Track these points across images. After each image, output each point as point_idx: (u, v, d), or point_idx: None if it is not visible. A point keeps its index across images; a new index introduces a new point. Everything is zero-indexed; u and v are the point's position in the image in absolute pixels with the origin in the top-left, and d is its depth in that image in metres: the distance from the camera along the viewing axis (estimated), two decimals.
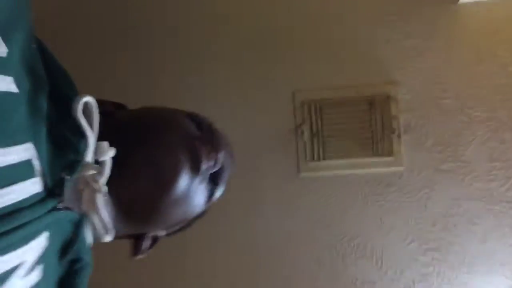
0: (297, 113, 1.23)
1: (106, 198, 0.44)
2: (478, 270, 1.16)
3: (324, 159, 1.21)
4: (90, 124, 0.43)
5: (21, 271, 0.36)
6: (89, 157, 0.42)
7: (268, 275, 1.22)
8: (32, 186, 0.37)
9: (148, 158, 0.48)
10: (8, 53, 0.36)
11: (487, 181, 1.17)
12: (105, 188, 0.43)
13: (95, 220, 0.43)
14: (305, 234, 1.22)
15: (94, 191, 0.43)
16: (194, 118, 0.56)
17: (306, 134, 1.22)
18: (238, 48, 1.26)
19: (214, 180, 0.54)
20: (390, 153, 1.18)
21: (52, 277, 0.41)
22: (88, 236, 0.45)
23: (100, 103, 0.53)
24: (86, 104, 0.42)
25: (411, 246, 1.19)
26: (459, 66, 1.18)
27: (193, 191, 0.50)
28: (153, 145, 0.48)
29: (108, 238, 0.45)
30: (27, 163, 0.36)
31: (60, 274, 0.43)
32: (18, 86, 0.36)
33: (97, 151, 0.43)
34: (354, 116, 1.21)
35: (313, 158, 1.21)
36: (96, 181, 0.42)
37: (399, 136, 1.18)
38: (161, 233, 0.57)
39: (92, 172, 0.42)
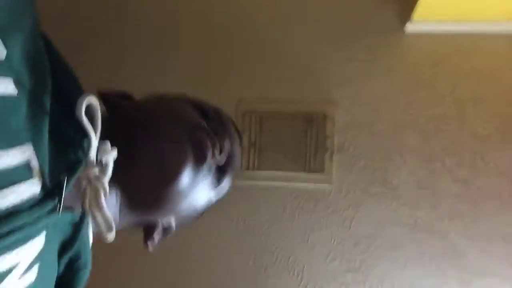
0: (238, 122, 1.27)
1: (109, 196, 0.45)
2: None
3: (258, 169, 1.24)
4: (93, 123, 0.43)
5: (17, 271, 0.37)
6: (92, 156, 0.43)
7: (191, 282, 1.25)
8: (30, 188, 0.37)
9: (152, 151, 0.48)
10: (8, 54, 0.36)
11: (413, 208, 1.17)
12: (108, 188, 0.44)
13: (98, 218, 0.43)
14: (231, 242, 1.24)
15: (98, 190, 0.43)
16: (198, 105, 0.56)
17: (244, 143, 1.26)
18: (187, 55, 1.31)
19: (222, 168, 0.54)
20: (321, 170, 1.21)
21: (50, 276, 0.42)
22: (89, 235, 0.46)
23: (106, 94, 0.57)
24: (89, 104, 0.43)
25: (333, 264, 1.20)
26: (397, 92, 1.20)
27: (199, 181, 0.51)
28: (156, 138, 0.49)
29: (110, 236, 0.45)
30: (25, 165, 0.36)
31: (58, 273, 0.43)
32: (18, 86, 0.37)
33: (100, 151, 0.43)
34: (291, 130, 1.24)
35: (248, 167, 1.25)
36: (100, 181, 0.43)
37: (331, 155, 1.21)
38: (172, 222, 0.57)
39: (95, 171, 0.43)
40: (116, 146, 0.45)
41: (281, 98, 1.26)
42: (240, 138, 0.62)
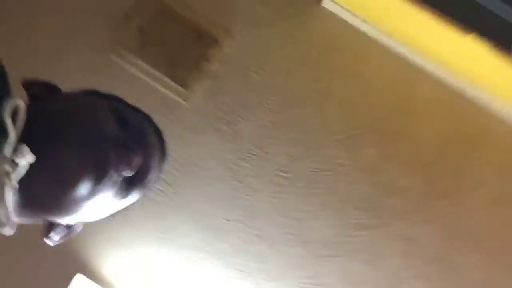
0: (138, 5, 1.27)
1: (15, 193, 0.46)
2: None
3: (136, 54, 1.26)
4: (16, 125, 0.45)
5: None
6: (7, 155, 0.44)
7: None
8: None
9: (56, 157, 0.49)
10: None
11: (240, 159, 1.25)
12: (17, 186, 0.45)
13: (1, 213, 0.46)
14: None
15: (5, 187, 0.45)
16: (120, 114, 0.55)
17: (135, 26, 1.27)
18: None
19: (131, 180, 0.54)
20: (186, 86, 1.24)
21: None
22: None
23: (30, 84, 0.57)
24: (16, 107, 0.45)
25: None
26: (285, 56, 1.24)
27: (99, 192, 0.51)
28: (62, 144, 0.49)
29: (10, 232, 0.47)
30: None
31: None
32: None
33: (17, 152, 0.45)
34: (181, 37, 1.26)
35: (128, 49, 1.27)
36: (8, 178, 0.44)
37: (202, 78, 1.24)
38: (74, 225, 0.58)
39: (5, 169, 0.44)
40: (32, 140, 0.46)
41: (190, 3, 1.26)
42: (164, 152, 0.61)
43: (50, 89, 0.59)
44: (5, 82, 0.48)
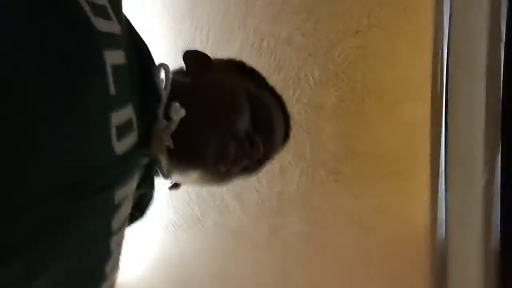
0: None
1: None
2: None
3: None
4: (166, 87, 0.52)
5: (127, 201, 0.47)
6: (161, 113, 0.51)
7: None
8: (132, 138, 0.45)
9: (191, 135, 0.55)
10: (121, 30, 0.44)
11: None
12: (170, 141, 0.51)
13: (163, 163, 0.53)
14: None
15: (163, 140, 0.51)
16: (255, 105, 0.62)
17: None
18: None
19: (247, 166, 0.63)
20: None
21: (130, 205, 0.50)
22: (154, 175, 0.56)
23: (188, 56, 0.65)
24: (164, 71, 0.51)
25: None
26: None
27: (215, 172, 0.59)
28: (198, 126, 0.56)
29: (169, 178, 0.57)
30: (129, 120, 0.45)
31: (132, 204, 0.52)
32: (126, 58, 0.44)
33: (171, 109, 0.51)
34: None
35: None
36: (165, 133, 0.51)
37: None
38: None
39: (163, 125, 0.51)
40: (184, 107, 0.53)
41: None
42: (286, 137, 0.71)
43: (205, 61, 0.65)
44: (149, 51, 0.53)
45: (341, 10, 1.23)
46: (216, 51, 1.36)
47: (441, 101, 1.13)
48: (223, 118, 0.58)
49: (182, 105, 0.53)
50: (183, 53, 0.65)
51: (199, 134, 0.56)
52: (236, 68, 0.71)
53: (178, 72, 0.65)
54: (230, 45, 1.34)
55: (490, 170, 1.00)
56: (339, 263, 1.35)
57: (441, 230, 1.22)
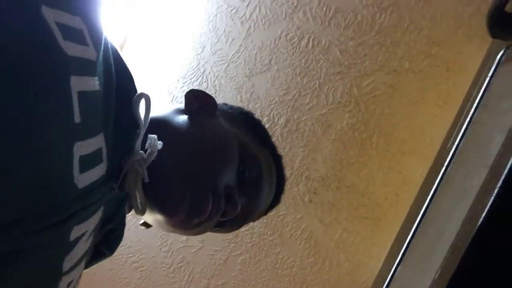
0: None
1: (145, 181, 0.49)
2: None
3: None
4: (145, 117, 0.48)
5: (84, 238, 0.43)
6: (138, 145, 0.48)
7: None
8: (100, 170, 0.43)
9: (169, 176, 0.52)
10: (97, 56, 0.41)
11: None
12: (146, 175, 0.48)
13: (136, 198, 0.50)
14: None
15: (138, 174, 0.48)
16: (246, 167, 0.58)
17: None
18: None
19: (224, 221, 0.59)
20: None
21: (94, 243, 0.48)
22: (125, 211, 0.52)
23: (191, 96, 0.61)
24: (144, 100, 0.48)
25: None
26: None
27: (186, 223, 0.55)
28: (179, 169, 0.52)
29: (141, 214, 0.52)
30: (99, 151, 0.42)
31: (97, 240, 0.49)
32: (99, 84, 0.41)
33: (148, 142, 0.49)
34: None
35: None
36: (141, 166, 0.48)
37: None
38: None
39: (139, 157, 0.48)
40: (167, 145, 0.50)
41: None
42: (275, 201, 0.67)
43: (209, 105, 0.62)
44: (131, 79, 0.51)
45: (388, 43, 1.20)
46: (252, 30, 1.32)
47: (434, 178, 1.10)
48: (206, 168, 0.54)
49: (169, 142, 0.50)
50: (187, 92, 0.62)
51: (177, 179, 0.52)
52: (242, 118, 0.67)
53: (177, 109, 0.61)
54: (269, 30, 1.30)
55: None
56: (273, 272, 1.33)
57: None
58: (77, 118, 0.37)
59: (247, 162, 0.58)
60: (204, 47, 1.39)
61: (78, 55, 0.38)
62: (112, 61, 0.46)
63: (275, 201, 0.69)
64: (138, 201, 0.50)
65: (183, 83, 1.43)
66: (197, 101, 0.61)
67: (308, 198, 1.30)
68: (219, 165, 0.55)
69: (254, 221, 0.68)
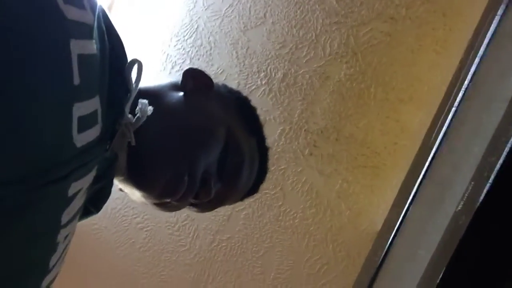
0: None
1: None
2: None
3: None
4: (136, 82, 0.50)
5: (80, 194, 0.45)
6: (127, 108, 0.49)
7: None
8: (95, 131, 0.44)
9: (151, 150, 0.53)
10: (93, 21, 0.42)
11: None
12: (133, 138, 0.49)
13: (120, 159, 0.51)
14: None
15: (125, 136, 0.49)
16: (229, 153, 0.58)
17: None
18: None
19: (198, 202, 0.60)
20: None
21: (84, 199, 0.48)
22: (114, 171, 0.53)
23: (188, 74, 0.61)
24: (137, 66, 0.49)
25: None
26: None
27: (158, 200, 0.56)
28: (161, 144, 0.53)
29: (122, 176, 0.54)
30: (95, 112, 0.43)
31: (87, 197, 0.49)
32: (96, 48, 0.42)
33: (139, 107, 0.50)
34: None
35: None
36: (128, 129, 0.49)
37: None
38: None
39: (128, 120, 0.49)
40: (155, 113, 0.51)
41: None
42: (252, 190, 0.66)
43: (205, 84, 0.62)
44: (123, 45, 0.51)
45: None
46: None
47: (443, 119, 1.12)
48: (188, 151, 0.54)
49: (158, 115, 0.51)
50: (186, 69, 0.62)
51: (158, 155, 0.53)
52: (237, 103, 0.66)
53: (173, 84, 0.61)
54: None
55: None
56: (276, 224, 1.37)
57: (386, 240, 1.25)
58: (76, 80, 0.38)
59: (230, 150, 0.59)
60: (196, 2, 1.35)
61: (77, 19, 0.39)
62: (104, 27, 0.47)
63: (253, 190, 0.69)
64: (121, 164, 0.52)
65: (176, 41, 1.40)
66: (193, 80, 0.61)
67: (308, 151, 1.31)
68: (201, 149, 0.56)
69: (229, 205, 0.69)
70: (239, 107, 0.66)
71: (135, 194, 0.57)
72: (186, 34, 1.38)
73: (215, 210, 0.66)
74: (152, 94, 0.56)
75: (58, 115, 0.37)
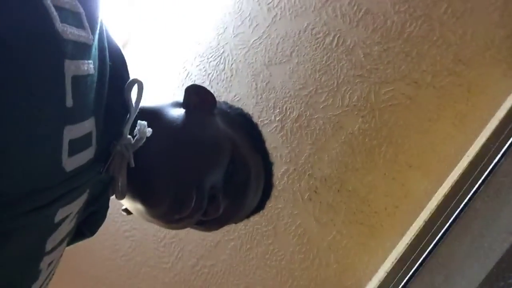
0: None
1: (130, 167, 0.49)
2: None
3: None
4: (136, 103, 0.49)
5: (68, 219, 0.43)
6: (127, 129, 0.48)
7: None
8: (89, 153, 0.42)
9: (156, 168, 0.51)
10: (92, 40, 0.41)
11: None
12: (132, 160, 0.48)
13: (119, 183, 0.49)
14: None
15: (124, 158, 0.48)
16: (235, 170, 0.57)
17: None
18: None
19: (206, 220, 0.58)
20: None
21: (73, 223, 0.47)
22: (109, 194, 0.51)
23: (191, 91, 0.60)
24: (137, 86, 0.49)
25: None
26: None
27: (166, 217, 0.55)
28: (166, 162, 0.52)
29: (120, 199, 0.52)
30: (89, 135, 0.41)
31: (80, 221, 0.48)
32: (94, 68, 0.41)
33: (138, 128, 0.49)
34: None
35: None
36: (128, 151, 0.48)
37: None
38: None
39: (127, 142, 0.48)
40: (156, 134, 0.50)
41: None
42: (259, 207, 0.65)
43: (206, 101, 0.61)
44: (125, 64, 0.51)
45: (414, 54, 1.18)
46: (278, 18, 1.28)
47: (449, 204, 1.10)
48: (195, 166, 0.53)
49: (160, 133, 0.50)
50: (188, 86, 0.62)
51: (164, 172, 0.52)
52: (239, 120, 0.66)
53: (175, 102, 0.61)
54: (295, 21, 1.27)
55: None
56: (262, 261, 1.35)
57: None
58: (69, 103, 0.37)
59: (236, 165, 0.58)
60: (226, 28, 1.36)
61: (74, 39, 0.38)
62: (106, 45, 0.46)
63: (260, 206, 0.68)
64: (120, 185, 0.50)
65: (200, 61, 1.40)
66: (196, 97, 0.61)
67: (308, 196, 1.30)
68: (207, 164, 0.55)
69: (235, 223, 0.67)
70: (242, 123, 0.66)
71: (141, 212, 0.56)
72: (211, 57, 1.38)
73: (217, 230, 0.65)
74: (154, 113, 0.55)
75: (46, 138, 0.36)
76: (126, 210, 0.63)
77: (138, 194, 0.54)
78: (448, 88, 1.16)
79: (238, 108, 0.69)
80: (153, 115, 0.54)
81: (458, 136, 1.13)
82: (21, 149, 0.34)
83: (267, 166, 0.67)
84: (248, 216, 0.68)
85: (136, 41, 1.42)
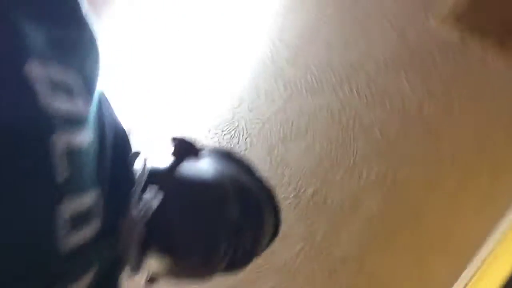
0: None
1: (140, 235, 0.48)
2: None
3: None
4: (142, 173, 0.49)
5: None
6: (133, 204, 0.47)
7: None
8: (94, 226, 0.41)
9: (174, 227, 0.50)
10: (89, 110, 0.40)
11: None
12: (143, 231, 0.47)
13: (131, 254, 0.48)
14: None
15: (133, 231, 0.47)
16: (243, 194, 0.57)
17: None
18: None
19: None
20: None
21: None
22: (122, 276, 0.50)
23: (177, 145, 0.60)
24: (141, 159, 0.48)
25: None
26: None
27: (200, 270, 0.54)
28: (183, 218, 0.51)
29: (135, 274, 0.50)
30: (93, 206, 0.40)
31: None
32: (93, 138, 0.41)
33: (147, 195, 0.48)
34: None
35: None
36: (138, 223, 0.47)
37: None
38: None
39: (136, 214, 0.47)
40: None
41: None
42: (276, 232, 0.65)
43: (190, 150, 0.61)
44: (126, 135, 0.50)
45: (433, 132, 1.17)
46: (294, 95, 1.29)
47: None
48: (210, 209, 0.53)
49: (167, 192, 0.49)
50: (172, 138, 0.62)
51: (185, 228, 0.51)
52: (228, 157, 0.66)
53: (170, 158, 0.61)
54: (312, 98, 1.27)
55: None
56: None
57: None
58: (60, 178, 0.35)
59: (244, 196, 0.57)
60: (241, 102, 1.36)
61: (66, 109, 0.36)
62: (105, 116, 0.45)
63: (275, 232, 0.67)
64: (133, 261, 0.48)
65: (214, 134, 1.40)
66: (184, 149, 0.61)
67: (327, 274, 1.25)
68: (220, 204, 0.54)
69: (259, 255, 0.65)
70: (229, 157, 0.65)
71: (175, 271, 0.54)
72: (225, 130, 1.37)
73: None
74: (160, 174, 0.54)
75: (37, 219, 0.33)
76: (150, 280, 0.60)
77: (163, 257, 0.52)
78: (470, 166, 1.15)
79: (221, 148, 0.70)
80: (160, 176, 0.53)
81: (479, 224, 1.10)
82: (8, 233, 0.32)
83: (267, 191, 0.65)
84: (268, 244, 0.66)
85: (150, 115, 1.42)
